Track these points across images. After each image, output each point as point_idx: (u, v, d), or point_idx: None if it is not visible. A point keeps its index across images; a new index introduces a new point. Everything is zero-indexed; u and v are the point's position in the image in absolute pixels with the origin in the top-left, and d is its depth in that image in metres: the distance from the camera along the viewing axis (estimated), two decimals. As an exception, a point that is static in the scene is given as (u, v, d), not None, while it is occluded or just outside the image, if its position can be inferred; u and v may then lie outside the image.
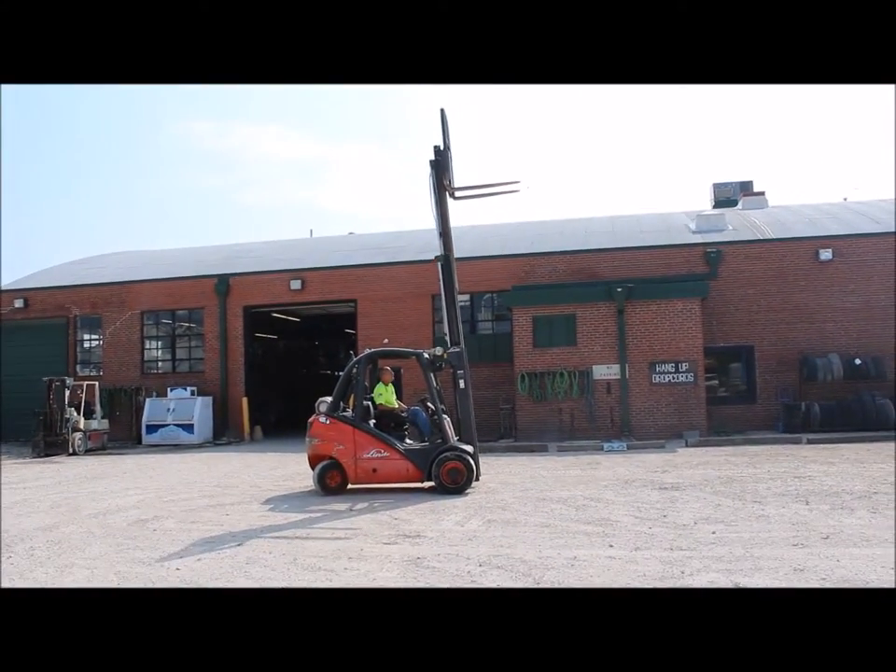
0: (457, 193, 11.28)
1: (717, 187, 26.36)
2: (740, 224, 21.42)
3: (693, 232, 21.22)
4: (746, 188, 25.77)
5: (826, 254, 19.06)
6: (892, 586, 4.84)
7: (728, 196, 25.73)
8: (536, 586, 5.35)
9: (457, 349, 10.91)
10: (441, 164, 11.07)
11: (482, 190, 11.67)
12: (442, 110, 11.06)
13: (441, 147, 11.11)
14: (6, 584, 5.81)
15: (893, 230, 19.15)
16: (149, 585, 5.73)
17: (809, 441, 15.58)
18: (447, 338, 11.12)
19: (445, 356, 10.87)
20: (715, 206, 25.42)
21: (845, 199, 25.11)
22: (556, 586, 5.33)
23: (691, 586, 5.20)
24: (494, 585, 5.41)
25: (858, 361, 18.06)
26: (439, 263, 11.12)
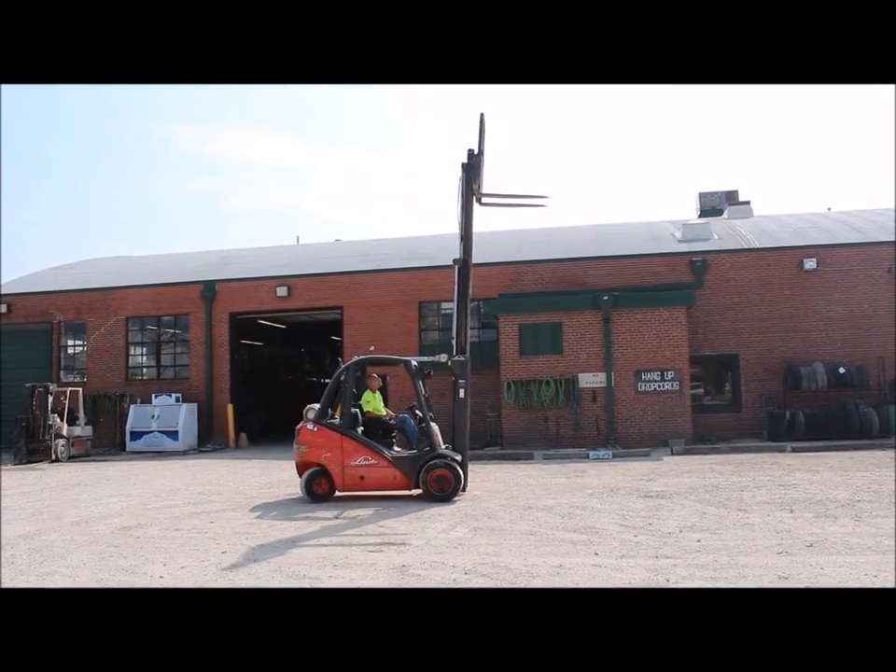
0: (484, 199, 11.11)
1: (703, 196, 26.53)
2: (725, 233, 21.56)
3: (679, 241, 21.33)
4: (731, 197, 25.94)
5: (810, 263, 19.23)
6: (892, 586, 4.85)
7: (714, 205, 25.91)
8: (512, 586, 5.33)
9: (462, 358, 10.73)
10: (472, 168, 10.83)
11: (509, 200, 11.54)
12: (482, 115, 10.79)
13: (476, 152, 10.86)
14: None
15: (875, 240, 19.40)
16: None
17: (794, 450, 15.64)
18: (453, 343, 10.88)
19: (450, 363, 10.71)
20: (701, 215, 25.57)
21: (829, 209, 25.37)
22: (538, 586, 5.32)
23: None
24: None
25: (842, 370, 18.20)
26: (456, 267, 10.96)
